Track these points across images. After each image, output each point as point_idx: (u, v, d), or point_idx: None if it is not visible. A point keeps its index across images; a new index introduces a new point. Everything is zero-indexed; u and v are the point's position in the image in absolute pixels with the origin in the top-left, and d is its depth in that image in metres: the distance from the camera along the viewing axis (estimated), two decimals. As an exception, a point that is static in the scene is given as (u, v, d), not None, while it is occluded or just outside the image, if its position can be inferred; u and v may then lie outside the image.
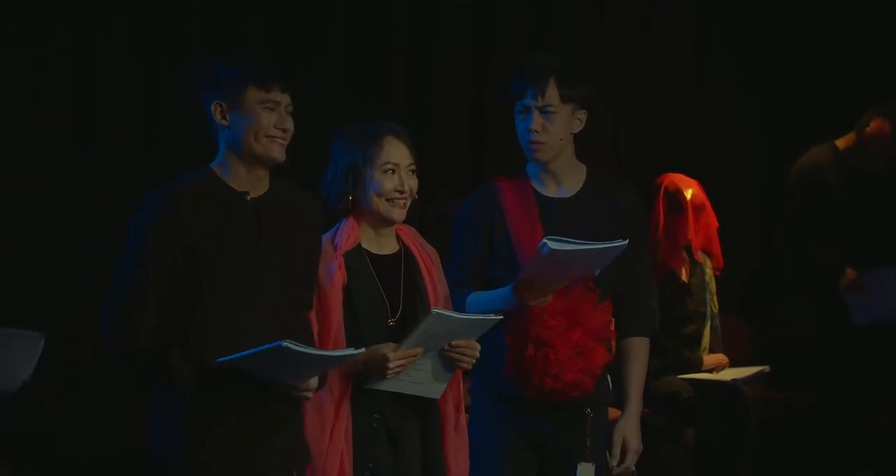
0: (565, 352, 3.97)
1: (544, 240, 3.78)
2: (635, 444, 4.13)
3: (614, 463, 4.11)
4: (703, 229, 5.68)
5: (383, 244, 3.83)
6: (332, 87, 5.95)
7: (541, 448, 4.11)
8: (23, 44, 5.55)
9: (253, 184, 3.52)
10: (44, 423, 5.37)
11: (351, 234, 3.77)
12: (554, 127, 4.07)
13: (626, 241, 3.90)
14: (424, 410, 3.78)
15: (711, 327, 5.69)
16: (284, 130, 3.48)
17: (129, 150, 5.69)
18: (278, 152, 3.49)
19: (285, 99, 3.50)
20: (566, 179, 4.17)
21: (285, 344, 3.24)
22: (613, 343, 4.22)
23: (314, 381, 3.48)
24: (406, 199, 3.78)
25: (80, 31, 5.65)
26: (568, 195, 4.16)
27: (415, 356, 3.63)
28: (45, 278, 5.44)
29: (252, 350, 3.32)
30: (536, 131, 4.06)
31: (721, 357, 5.70)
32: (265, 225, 3.50)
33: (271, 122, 3.47)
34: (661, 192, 5.64)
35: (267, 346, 3.28)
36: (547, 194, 4.15)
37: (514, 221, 4.11)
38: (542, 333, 3.97)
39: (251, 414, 3.45)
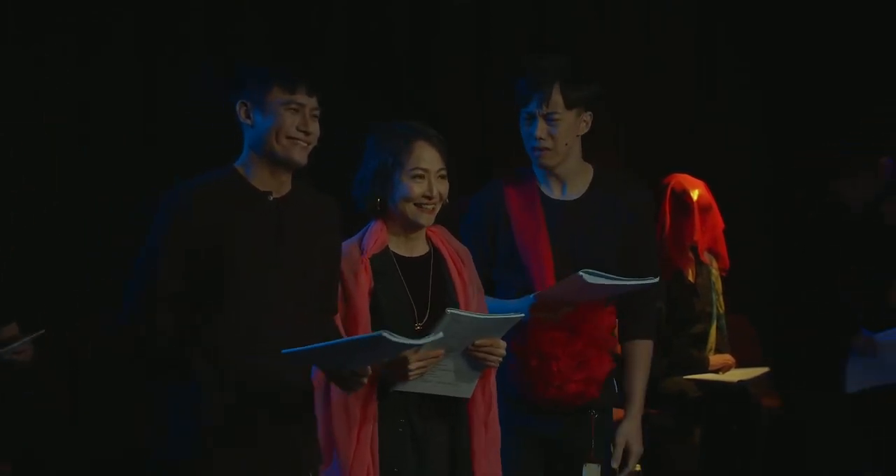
0: (568, 363, 3.98)
1: (581, 272, 3.79)
2: (637, 447, 4.14)
3: (616, 465, 4.10)
4: (710, 230, 5.68)
5: (412, 246, 3.82)
6: (332, 87, 5.94)
7: (547, 449, 4.12)
8: (23, 44, 5.55)
9: (275, 185, 3.51)
10: (44, 423, 5.37)
11: (378, 236, 3.76)
12: (559, 133, 4.08)
13: (657, 279, 3.91)
14: (451, 413, 3.76)
15: (718, 327, 5.69)
16: (307, 133, 3.46)
17: (129, 150, 5.68)
18: (299, 155, 3.47)
19: (311, 102, 3.48)
20: (572, 181, 4.17)
21: (384, 334, 3.25)
22: (618, 347, 4.22)
23: (368, 371, 3.48)
24: (434, 204, 3.76)
25: (80, 31, 5.65)
26: (574, 197, 4.16)
27: (436, 357, 3.61)
28: (45, 278, 5.44)
29: (350, 338, 3.39)
30: (542, 138, 4.07)
31: (727, 357, 5.70)
32: (286, 226, 3.50)
33: (294, 123, 3.45)
34: (668, 192, 5.65)
35: (368, 336, 3.36)
36: (553, 196, 4.16)
37: (518, 224, 4.11)
38: (543, 345, 3.99)
39: (266, 415, 3.44)
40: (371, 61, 6.12)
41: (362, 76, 6.08)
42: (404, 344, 3.34)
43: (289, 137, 3.45)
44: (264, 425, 3.44)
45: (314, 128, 3.49)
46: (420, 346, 3.45)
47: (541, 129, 4.07)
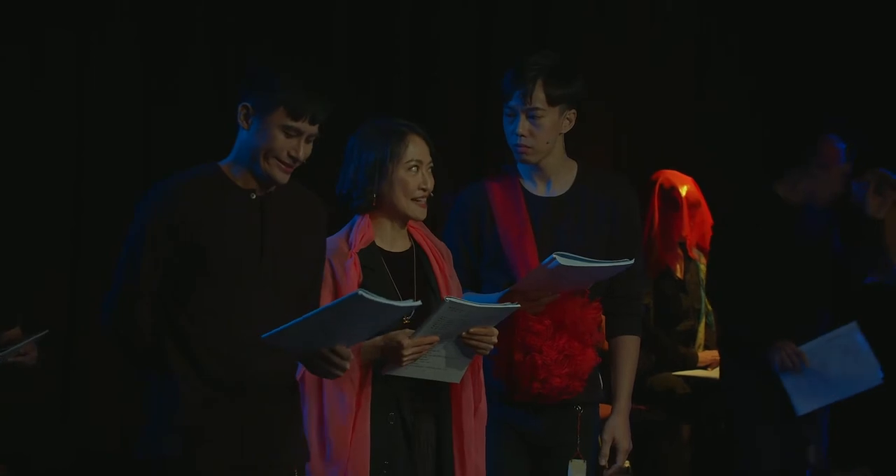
0: (552, 356, 4.00)
1: (553, 255, 3.80)
2: (625, 444, 4.14)
3: (604, 462, 4.11)
4: (698, 226, 5.69)
5: (396, 242, 3.86)
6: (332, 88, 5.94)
7: (533, 444, 4.12)
8: (23, 44, 5.55)
9: (258, 185, 3.51)
10: (42, 423, 5.37)
11: (365, 232, 3.80)
12: (540, 130, 4.07)
13: (632, 261, 3.92)
14: (439, 403, 3.80)
15: (706, 324, 5.70)
16: (294, 159, 3.45)
17: (129, 151, 5.68)
18: (280, 177, 3.46)
19: (311, 129, 3.44)
20: (556, 178, 4.17)
21: (360, 293, 3.23)
22: (605, 343, 4.23)
23: (349, 353, 3.44)
24: (426, 196, 3.82)
25: (80, 30, 5.64)
26: (558, 194, 4.17)
27: (431, 344, 3.65)
28: (45, 277, 5.45)
29: (326, 305, 3.33)
30: (523, 135, 4.07)
31: (716, 354, 5.70)
32: (269, 223, 3.49)
33: (285, 147, 3.42)
34: (657, 188, 5.66)
35: (344, 297, 3.29)
36: (536, 193, 4.16)
37: (502, 222, 4.12)
38: (527, 339, 4.00)
39: (250, 410, 3.44)
40: (371, 61, 6.12)
41: (362, 76, 6.08)
42: (383, 304, 3.30)
43: (276, 158, 3.44)
44: (248, 421, 3.44)
45: (305, 152, 3.45)
46: (397, 308, 3.42)
47: (522, 125, 4.07)
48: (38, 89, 5.55)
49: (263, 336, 3.30)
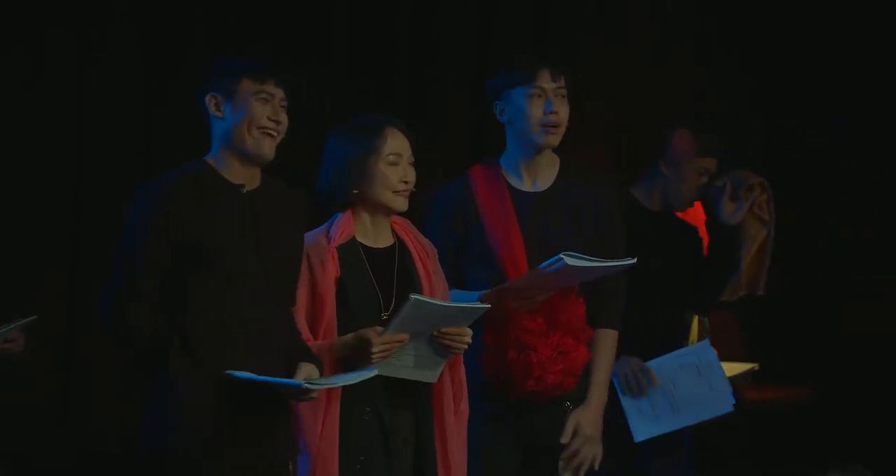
0: (547, 354, 4.00)
1: (560, 255, 3.80)
2: (588, 430, 4.09)
3: (564, 440, 4.07)
4: (691, 222, 5.66)
5: (378, 237, 3.86)
6: (332, 87, 5.96)
7: (527, 442, 4.14)
8: (23, 44, 5.55)
9: (247, 178, 3.56)
10: (42, 423, 5.37)
11: (346, 227, 3.82)
12: (566, 111, 4.11)
13: (634, 260, 3.93)
14: (418, 400, 3.80)
15: (699, 320, 5.69)
16: (277, 122, 3.51)
17: (129, 151, 5.68)
18: (269, 148, 3.52)
19: (279, 93, 3.54)
20: (542, 173, 4.19)
21: (375, 371, 3.43)
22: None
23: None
24: (409, 189, 3.82)
25: (80, 30, 5.65)
26: (542, 188, 4.18)
27: (400, 342, 3.65)
28: (45, 277, 5.45)
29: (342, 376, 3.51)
30: (558, 112, 4.08)
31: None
32: (260, 217, 3.54)
33: (265, 113, 3.51)
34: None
35: (361, 371, 3.48)
36: (521, 188, 4.17)
37: (488, 217, 4.13)
38: (522, 336, 4.01)
39: (245, 405, 3.47)
40: (371, 61, 6.13)
41: (362, 76, 6.08)
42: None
43: (260, 128, 3.50)
44: (247, 421, 3.47)
45: (284, 118, 3.54)
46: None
47: (558, 103, 4.09)
48: (38, 89, 5.54)
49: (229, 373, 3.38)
